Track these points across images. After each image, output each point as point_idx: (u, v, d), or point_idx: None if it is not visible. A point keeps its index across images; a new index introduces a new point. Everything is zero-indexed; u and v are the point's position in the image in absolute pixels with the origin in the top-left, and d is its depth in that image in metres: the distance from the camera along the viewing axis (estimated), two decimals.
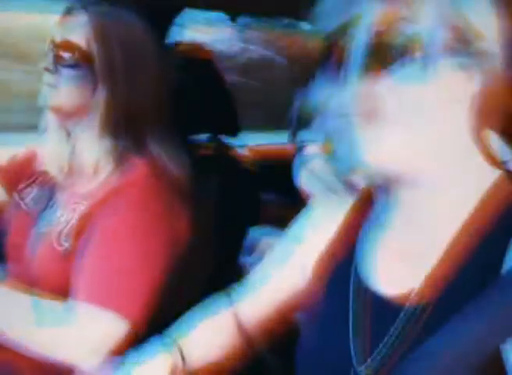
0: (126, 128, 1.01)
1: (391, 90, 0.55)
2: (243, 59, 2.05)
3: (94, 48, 0.99)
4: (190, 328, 0.80)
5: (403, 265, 0.62)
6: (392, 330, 0.59)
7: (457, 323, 0.53)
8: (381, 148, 0.57)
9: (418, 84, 0.55)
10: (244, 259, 1.25)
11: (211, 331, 0.81)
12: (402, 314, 0.59)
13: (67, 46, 0.99)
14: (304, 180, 1.07)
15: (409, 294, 0.60)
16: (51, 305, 0.93)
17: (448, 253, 0.59)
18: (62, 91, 1.00)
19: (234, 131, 1.39)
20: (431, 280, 0.59)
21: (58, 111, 1.03)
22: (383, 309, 0.61)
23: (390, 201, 0.65)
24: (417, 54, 0.54)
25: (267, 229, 1.32)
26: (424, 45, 0.54)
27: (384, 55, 0.55)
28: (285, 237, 0.82)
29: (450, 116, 0.57)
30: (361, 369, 0.61)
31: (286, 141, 2.07)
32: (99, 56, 0.99)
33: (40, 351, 0.90)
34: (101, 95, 0.99)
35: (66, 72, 0.99)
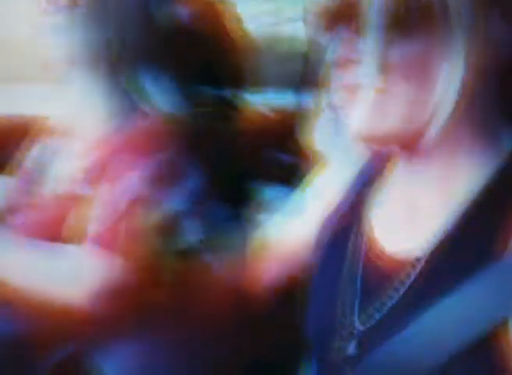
0: (125, 70, 1.01)
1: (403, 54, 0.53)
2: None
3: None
4: None
5: (404, 224, 0.62)
6: (387, 288, 0.59)
7: (459, 290, 0.53)
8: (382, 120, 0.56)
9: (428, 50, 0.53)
10: (255, 216, 1.27)
11: None
12: (399, 274, 0.59)
13: None
14: (315, 140, 1.07)
15: (408, 254, 0.59)
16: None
17: (452, 214, 0.58)
18: (62, 38, 0.99)
19: (241, 85, 1.38)
20: (431, 240, 0.58)
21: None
22: (381, 267, 0.61)
23: (395, 162, 0.65)
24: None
25: (279, 187, 1.32)
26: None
27: (401, 16, 0.52)
28: (295, 196, 0.82)
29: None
30: (353, 323, 0.62)
31: (295, 99, 2.07)
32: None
33: (36, 291, 0.92)
34: (97, 37, 0.98)
35: (61, 17, 0.98)
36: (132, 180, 0.97)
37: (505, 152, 0.58)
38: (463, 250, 0.56)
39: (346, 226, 0.69)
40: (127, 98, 1.03)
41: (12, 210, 1.12)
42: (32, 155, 1.15)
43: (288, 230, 0.81)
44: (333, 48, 0.58)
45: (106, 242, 0.92)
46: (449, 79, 0.53)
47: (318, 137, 1.04)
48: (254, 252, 0.85)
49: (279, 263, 0.81)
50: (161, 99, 1.04)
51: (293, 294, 0.75)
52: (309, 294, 0.71)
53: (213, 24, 1.28)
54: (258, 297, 0.81)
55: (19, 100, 1.21)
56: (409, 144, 0.59)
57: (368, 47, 0.54)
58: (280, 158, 1.52)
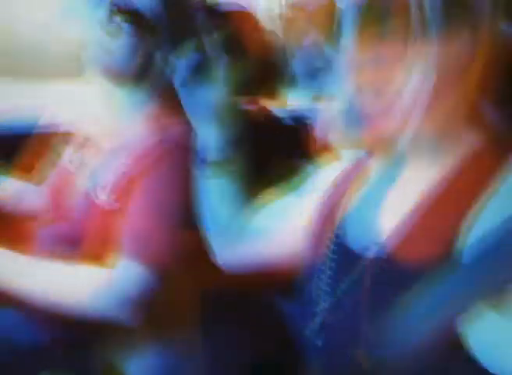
0: (173, 93, 1.03)
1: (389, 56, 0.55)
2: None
3: (159, 16, 1.00)
4: None
5: (375, 218, 0.64)
6: (349, 278, 0.62)
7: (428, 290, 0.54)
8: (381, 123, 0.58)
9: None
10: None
11: None
12: (360, 265, 0.61)
13: (131, 12, 1.00)
14: (321, 131, 1.10)
15: (372, 246, 0.62)
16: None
17: (416, 209, 0.60)
18: (118, 55, 1.01)
19: (273, 94, 1.40)
20: (394, 233, 0.60)
21: (109, 73, 1.04)
22: (347, 260, 0.64)
23: (373, 163, 0.68)
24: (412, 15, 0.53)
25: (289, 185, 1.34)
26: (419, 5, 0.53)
27: (376, 17, 0.54)
28: (291, 194, 0.85)
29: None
30: (319, 311, 0.65)
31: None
32: (163, 23, 0.99)
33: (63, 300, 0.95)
34: (158, 60, 1.02)
35: (125, 36, 1.01)
36: (160, 190, 1.00)
37: (465, 152, 0.60)
38: (420, 245, 0.58)
39: (326, 220, 0.71)
40: (159, 107, 1.06)
41: (40, 220, 1.16)
42: (60, 164, 1.17)
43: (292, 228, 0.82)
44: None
45: (137, 254, 0.95)
46: (417, 81, 0.54)
47: (322, 129, 1.07)
48: (254, 249, 0.87)
49: (279, 255, 0.83)
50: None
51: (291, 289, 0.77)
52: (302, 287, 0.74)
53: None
54: (257, 289, 0.85)
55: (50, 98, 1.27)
56: (386, 144, 0.60)
57: (337, 50, 0.56)
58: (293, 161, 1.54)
